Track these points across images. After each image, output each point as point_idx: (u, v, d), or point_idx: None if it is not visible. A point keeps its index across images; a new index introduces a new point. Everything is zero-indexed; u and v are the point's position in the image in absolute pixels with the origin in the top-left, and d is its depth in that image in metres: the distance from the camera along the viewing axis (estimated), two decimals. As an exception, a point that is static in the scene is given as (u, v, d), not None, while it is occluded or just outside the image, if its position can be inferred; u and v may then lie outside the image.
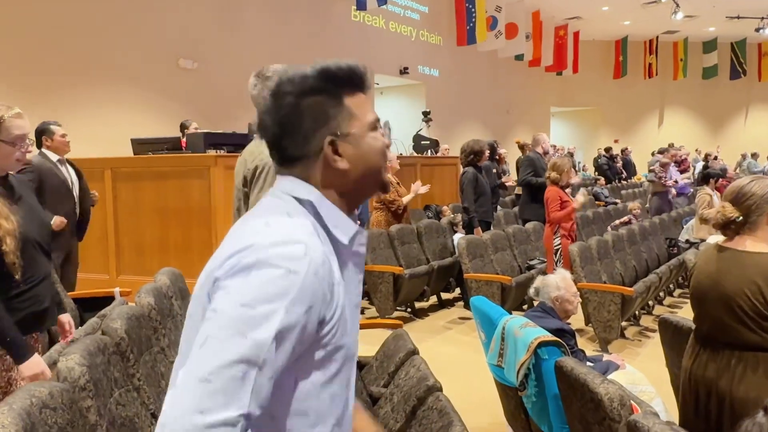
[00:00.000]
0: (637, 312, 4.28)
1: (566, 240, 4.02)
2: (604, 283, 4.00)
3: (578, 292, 2.58)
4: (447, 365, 3.09)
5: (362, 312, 4.58)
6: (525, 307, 4.45)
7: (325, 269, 0.75)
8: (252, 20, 8.02)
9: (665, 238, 5.62)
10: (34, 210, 1.83)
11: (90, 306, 2.67)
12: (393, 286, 4.25)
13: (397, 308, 4.53)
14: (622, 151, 13.22)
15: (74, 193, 3.42)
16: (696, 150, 13.85)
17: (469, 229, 4.70)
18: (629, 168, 12.81)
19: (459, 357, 3.64)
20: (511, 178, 7.66)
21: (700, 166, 10.42)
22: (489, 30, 11.95)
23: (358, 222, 0.91)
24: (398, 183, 4.81)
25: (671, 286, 5.27)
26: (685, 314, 2.29)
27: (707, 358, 1.71)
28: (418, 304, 4.77)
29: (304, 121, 0.81)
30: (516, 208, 6.42)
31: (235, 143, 4.17)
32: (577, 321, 3.68)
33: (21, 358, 1.60)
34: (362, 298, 4.59)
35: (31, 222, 1.75)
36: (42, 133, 3.36)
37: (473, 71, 13.11)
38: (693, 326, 1.85)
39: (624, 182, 11.88)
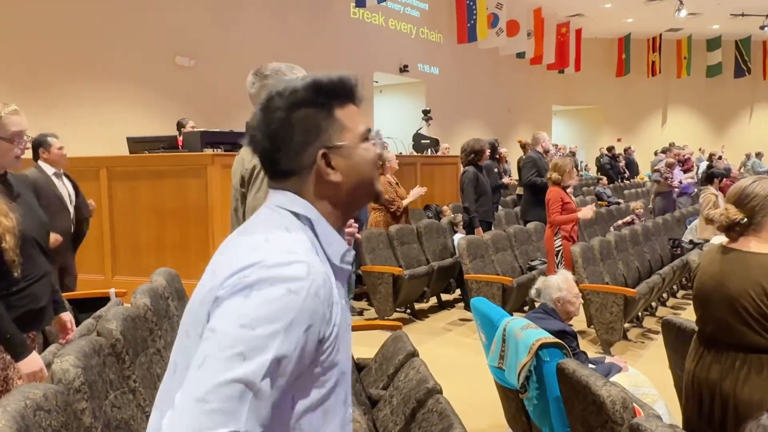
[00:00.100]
0: (639, 314, 4.26)
1: (567, 241, 3.99)
2: (607, 284, 3.98)
3: (580, 294, 2.57)
4: (447, 367, 3.07)
5: (361, 313, 4.58)
6: (526, 308, 4.43)
7: (327, 289, 0.76)
8: (250, 17, 7.99)
9: (668, 238, 5.60)
10: (32, 208, 1.84)
11: (85, 307, 2.65)
12: (392, 287, 4.23)
13: (397, 309, 4.51)
14: (625, 150, 13.17)
15: (70, 208, 3.37)
16: (699, 149, 13.78)
17: (469, 229, 4.68)
18: (632, 167, 12.76)
19: (459, 359, 3.62)
20: (512, 179, 7.63)
21: (704, 165, 10.35)
22: (490, 27, 11.90)
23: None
24: (397, 183, 4.78)
25: (674, 287, 5.25)
26: (689, 316, 2.26)
27: (711, 360, 1.71)
28: (417, 306, 4.75)
29: (295, 134, 0.81)
30: (517, 208, 6.39)
31: (233, 142, 4.14)
32: (579, 323, 3.66)
33: (20, 355, 1.61)
34: (361, 299, 4.54)
35: (30, 220, 1.76)
36: (39, 146, 3.31)
37: (474, 69, 13.07)
38: (696, 328, 1.83)
39: (627, 182, 11.83)
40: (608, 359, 2.50)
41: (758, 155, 13.31)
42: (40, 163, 3.33)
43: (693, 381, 1.75)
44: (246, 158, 2.00)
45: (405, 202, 4.75)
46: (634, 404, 1.54)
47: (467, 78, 12.87)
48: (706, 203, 5.05)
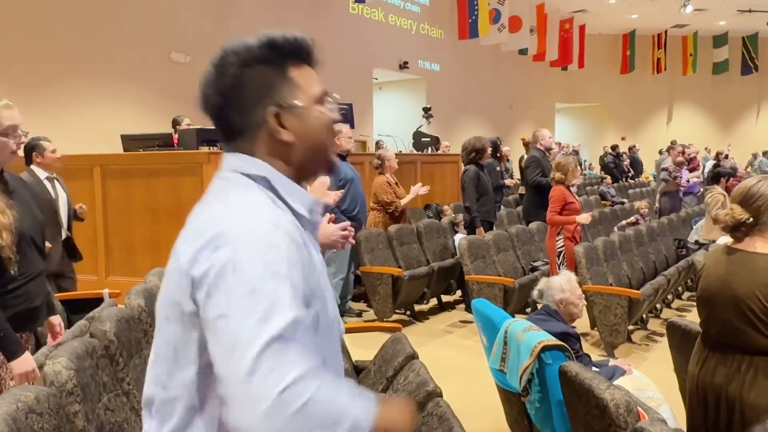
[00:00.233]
0: (644, 315, 4.22)
1: (570, 242, 3.96)
2: (611, 285, 3.94)
3: (583, 295, 2.55)
4: (447, 370, 3.05)
5: (360, 315, 4.54)
6: (528, 310, 4.38)
7: (298, 234, 0.79)
8: (247, 11, 7.96)
9: (674, 239, 5.55)
10: (29, 206, 1.84)
11: (78, 308, 2.63)
12: (392, 288, 4.19)
13: (396, 311, 4.48)
14: (630, 148, 13.08)
15: (61, 214, 3.34)
16: (705, 148, 13.68)
17: (470, 229, 4.65)
18: (636, 166, 12.67)
19: (460, 361, 3.59)
20: (515, 180, 7.58)
21: (710, 164, 10.26)
22: (492, 23, 11.84)
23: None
24: (396, 183, 4.72)
25: (680, 288, 5.20)
26: (694, 318, 2.24)
27: (716, 363, 1.69)
28: (417, 307, 4.71)
29: (246, 90, 0.80)
30: (519, 208, 6.34)
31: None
32: (582, 324, 3.62)
33: (13, 354, 1.60)
34: (360, 301, 4.45)
35: (27, 218, 1.75)
36: (33, 149, 3.30)
37: (475, 66, 13.01)
38: (701, 330, 1.80)
39: (631, 181, 11.76)
40: (612, 362, 2.49)
41: (765, 154, 13.21)
42: (33, 167, 3.31)
43: (697, 385, 1.73)
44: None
45: (403, 202, 4.69)
46: (638, 408, 1.54)
47: (468, 75, 12.82)
48: (714, 203, 4.97)
